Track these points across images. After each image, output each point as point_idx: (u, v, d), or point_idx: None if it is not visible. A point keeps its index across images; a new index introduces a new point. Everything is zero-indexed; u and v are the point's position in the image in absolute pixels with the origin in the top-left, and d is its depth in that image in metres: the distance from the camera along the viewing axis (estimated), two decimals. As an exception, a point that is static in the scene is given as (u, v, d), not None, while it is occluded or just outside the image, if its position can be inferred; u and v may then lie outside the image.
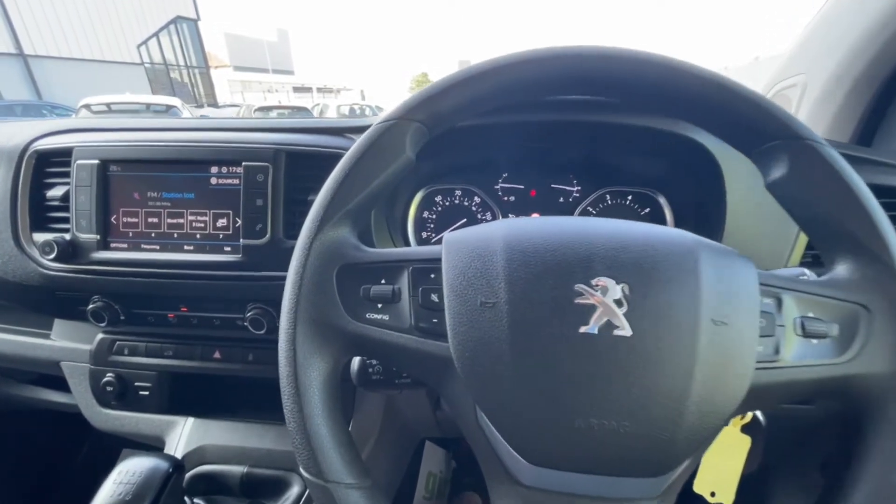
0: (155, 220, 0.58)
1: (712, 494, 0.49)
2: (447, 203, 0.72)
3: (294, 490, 0.62)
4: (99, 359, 0.70)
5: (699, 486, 0.49)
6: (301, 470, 0.33)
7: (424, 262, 0.34)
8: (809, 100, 0.71)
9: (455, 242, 0.34)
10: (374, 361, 0.46)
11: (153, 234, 0.58)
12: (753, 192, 0.55)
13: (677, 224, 0.67)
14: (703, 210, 0.61)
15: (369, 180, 0.36)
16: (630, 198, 0.69)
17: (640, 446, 0.29)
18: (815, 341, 0.32)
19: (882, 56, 0.62)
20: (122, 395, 0.69)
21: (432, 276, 0.34)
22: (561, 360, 0.29)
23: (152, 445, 0.71)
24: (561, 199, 0.71)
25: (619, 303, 0.29)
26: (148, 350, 0.68)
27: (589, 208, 0.70)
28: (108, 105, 6.05)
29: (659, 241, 0.31)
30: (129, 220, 0.58)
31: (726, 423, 0.30)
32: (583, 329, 0.29)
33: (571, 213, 0.70)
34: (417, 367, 0.35)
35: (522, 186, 0.71)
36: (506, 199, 0.72)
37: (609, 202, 0.70)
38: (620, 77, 0.35)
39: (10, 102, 9.64)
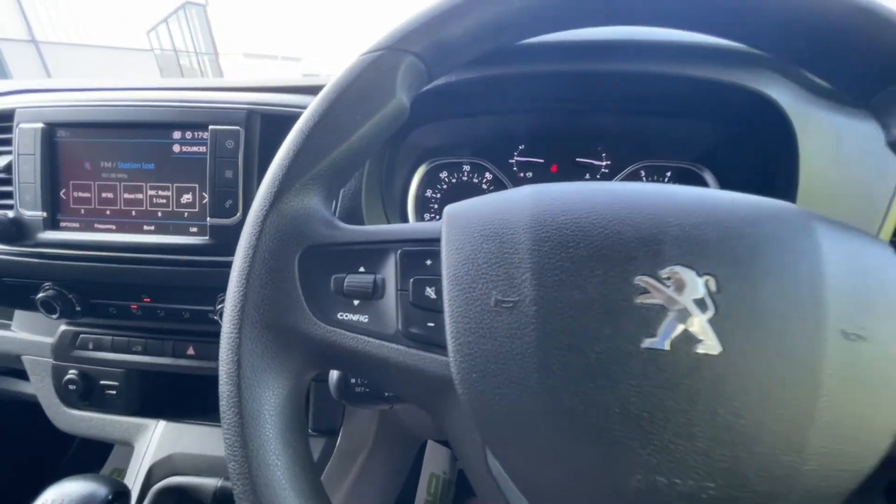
0: (109, 195, 0.50)
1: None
2: (454, 180, 0.62)
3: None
4: (61, 353, 0.62)
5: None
6: None
7: (418, 242, 0.25)
8: None
9: (461, 216, 0.24)
10: None
11: (108, 212, 0.50)
12: (834, 163, 0.44)
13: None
14: (763, 188, 0.50)
15: (347, 132, 0.27)
16: (669, 174, 0.59)
17: None
18: None
19: None
20: (86, 394, 0.61)
21: (429, 262, 0.25)
22: (613, 387, 0.20)
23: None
24: (587, 176, 0.60)
25: (701, 304, 0.20)
26: (114, 345, 0.60)
27: (620, 186, 0.60)
28: (115, 90, 6.01)
29: (757, 213, 0.22)
30: (81, 194, 0.50)
31: (858, 484, 0.21)
32: (647, 343, 0.20)
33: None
34: (406, 388, 0.26)
35: (542, 160, 0.61)
36: (522, 174, 0.62)
37: (644, 179, 0.59)
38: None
39: (21, 88, 9.68)
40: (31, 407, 0.83)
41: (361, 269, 0.26)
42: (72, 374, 0.61)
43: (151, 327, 0.60)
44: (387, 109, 0.27)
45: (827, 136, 0.44)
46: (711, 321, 0.20)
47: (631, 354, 0.20)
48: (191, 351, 0.59)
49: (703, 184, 0.57)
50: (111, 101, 0.49)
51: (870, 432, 0.19)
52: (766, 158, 0.49)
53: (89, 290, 0.54)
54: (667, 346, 0.19)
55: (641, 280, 0.20)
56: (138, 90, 0.50)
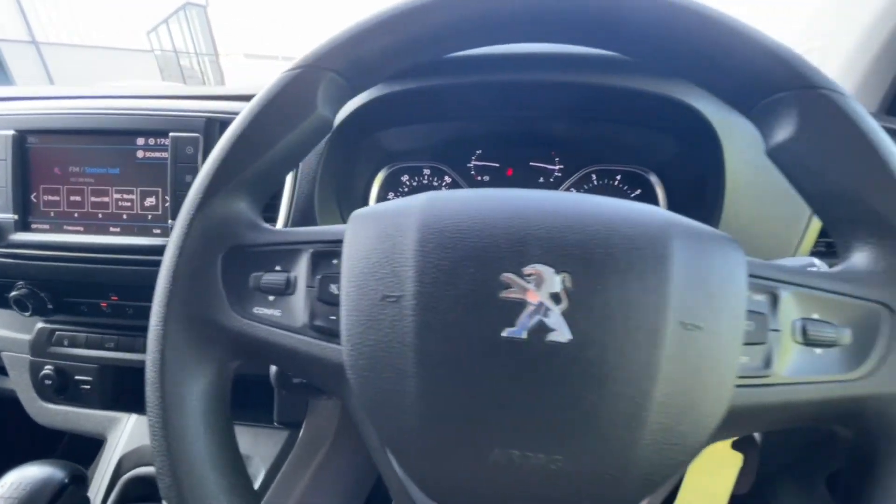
0: (78, 198, 0.52)
1: (696, 519, 0.43)
2: (414, 183, 0.65)
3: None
4: (38, 350, 0.64)
5: (681, 509, 0.43)
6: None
7: (327, 243, 0.28)
8: (832, 67, 0.62)
9: (362, 219, 0.27)
10: None
11: (76, 214, 0.53)
12: (757, 168, 0.47)
13: (671, 209, 0.59)
14: (700, 190, 0.53)
15: (270, 142, 0.29)
16: (619, 178, 0.61)
17: (576, 487, 0.22)
18: (819, 351, 0.24)
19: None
20: (62, 389, 0.64)
21: (335, 261, 0.27)
22: (476, 372, 0.22)
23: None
24: (541, 179, 0.63)
25: (556, 298, 0.22)
26: (88, 341, 0.63)
27: (572, 189, 0.62)
28: (114, 91, 6.04)
29: (620, 219, 0.24)
30: (51, 198, 0.53)
31: (693, 457, 0.23)
32: (506, 332, 0.22)
33: (552, 195, 0.63)
34: (313, 375, 0.28)
35: (498, 164, 0.63)
36: (479, 178, 0.64)
37: (595, 182, 0.62)
38: (588, 14, 0.28)
39: (22, 89, 9.72)
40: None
41: (277, 268, 0.28)
42: (48, 369, 0.64)
43: (123, 324, 0.63)
44: (307, 123, 0.30)
45: (750, 144, 0.46)
46: (564, 313, 0.22)
47: (493, 343, 0.22)
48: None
49: (650, 186, 0.60)
50: (79, 109, 0.52)
51: (702, 410, 0.22)
52: (699, 163, 0.52)
53: (60, 289, 0.56)
54: (524, 336, 0.22)
55: (506, 277, 0.23)
56: (105, 98, 0.53)
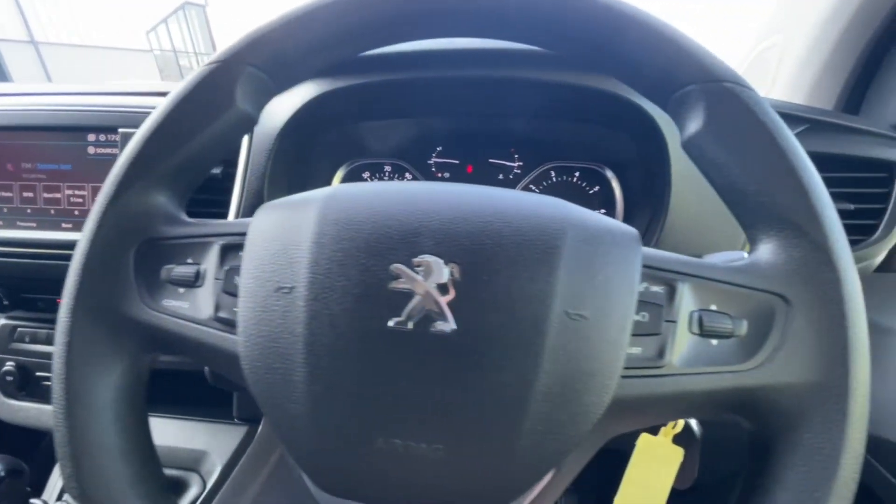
0: (30, 194, 0.52)
1: (636, 514, 0.43)
2: (375, 179, 0.65)
3: (192, 491, 0.57)
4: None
5: (621, 504, 0.43)
6: (66, 497, 0.27)
7: (236, 235, 0.28)
8: (788, 63, 0.62)
9: (268, 210, 0.27)
10: None
11: (29, 211, 0.53)
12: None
13: (627, 204, 0.59)
14: (651, 186, 0.53)
15: (188, 136, 0.29)
16: (577, 174, 0.61)
17: (457, 476, 0.22)
18: (714, 342, 0.24)
19: (863, 13, 0.53)
20: (23, 385, 0.64)
21: (241, 253, 0.27)
22: (361, 362, 0.22)
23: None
24: (500, 176, 0.63)
25: (443, 289, 0.22)
26: (49, 338, 0.63)
27: (531, 186, 0.62)
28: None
29: (513, 211, 0.24)
30: (3, 194, 0.53)
31: (576, 446, 0.23)
32: (392, 322, 0.22)
33: (511, 192, 0.63)
34: (219, 366, 0.29)
35: (458, 161, 0.64)
36: (440, 175, 0.64)
37: (554, 179, 0.62)
38: (503, 10, 0.28)
39: (20, 89, 9.73)
40: None
41: (189, 261, 0.28)
42: (9, 365, 0.64)
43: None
44: (227, 117, 0.30)
45: None
46: (452, 304, 0.22)
47: (379, 332, 0.22)
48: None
49: (607, 182, 0.60)
50: (31, 106, 0.52)
51: (584, 400, 0.22)
52: (649, 160, 0.52)
53: (16, 285, 0.57)
54: (410, 326, 0.22)
55: (395, 267, 0.23)
56: (56, 95, 0.53)
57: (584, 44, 0.29)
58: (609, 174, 0.59)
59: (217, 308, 0.27)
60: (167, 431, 0.61)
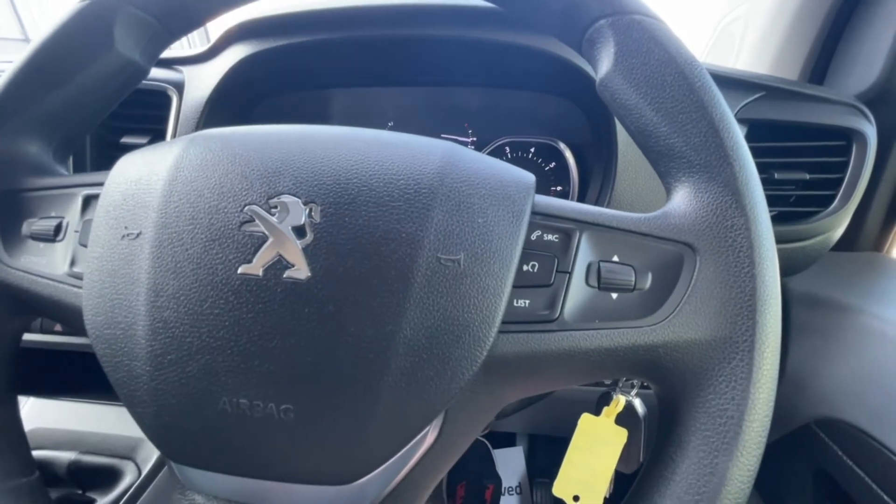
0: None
1: (576, 498, 0.40)
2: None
3: (126, 480, 0.54)
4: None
5: (560, 489, 0.40)
6: None
7: (98, 185, 0.25)
8: (752, 34, 0.60)
9: (129, 156, 0.25)
10: None
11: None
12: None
13: (582, 178, 0.56)
14: (600, 154, 0.51)
15: (58, 81, 0.27)
16: (533, 150, 0.59)
17: (309, 441, 0.20)
18: (615, 296, 0.22)
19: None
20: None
21: None
22: (206, 312, 0.20)
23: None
24: (453, 152, 0.61)
25: (300, 232, 0.20)
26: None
27: (485, 162, 0.60)
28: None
29: (386, 152, 0.22)
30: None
31: (459, 406, 0.21)
32: (242, 268, 0.20)
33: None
34: (74, 329, 0.26)
35: None
36: (392, 151, 0.62)
37: (509, 154, 0.59)
38: None
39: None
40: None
41: (52, 214, 0.26)
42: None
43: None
44: (104, 62, 0.27)
45: None
46: (306, 248, 0.20)
47: (227, 280, 0.20)
48: (58, 327, 0.59)
49: (562, 157, 0.57)
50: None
51: (454, 356, 0.20)
52: (596, 127, 0.49)
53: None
54: (260, 273, 0.20)
55: (249, 209, 0.20)
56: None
57: None
58: (562, 147, 0.56)
59: (72, 262, 0.24)
60: (104, 418, 0.58)
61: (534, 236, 0.22)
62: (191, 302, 0.20)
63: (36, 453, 0.56)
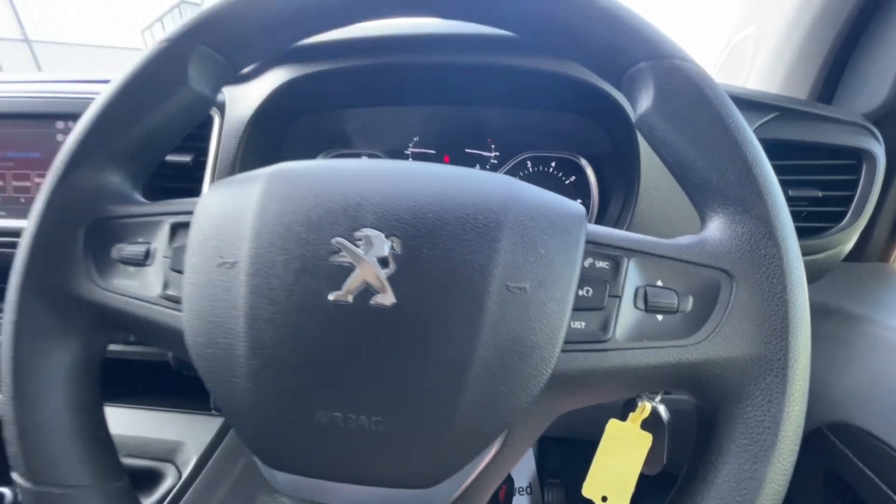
0: (-1, 182, 0.52)
1: (604, 499, 0.43)
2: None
3: (167, 481, 0.56)
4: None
5: (589, 490, 0.43)
6: (12, 475, 0.26)
7: (186, 214, 0.28)
8: (763, 54, 0.62)
9: (215, 187, 0.27)
10: None
11: (-2, 199, 0.52)
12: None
13: (602, 192, 0.59)
14: (622, 173, 0.53)
15: (138, 116, 0.29)
16: (553, 164, 0.61)
17: (397, 449, 0.22)
18: (660, 317, 0.24)
19: (832, 3, 0.53)
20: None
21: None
22: (301, 335, 0.22)
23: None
24: (477, 166, 0.63)
25: (383, 262, 0.22)
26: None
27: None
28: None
29: (455, 186, 0.24)
30: (-28, 182, 0.52)
31: (525, 416, 0.23)
32: (333, 295, 0.22)
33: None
34: (168, 344, 0.28)
35: (434, 151, 0.64)
36: (417, 165, 0.64)
37: (531, 169, 0.62)
38: None
39: (12, 88, 9.66)
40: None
41: (140, 240, 0.28)
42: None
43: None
44: (179, 97, 0.30)
45: None
46: (390, 278, 0.22)
47: (319, 305, 0.22)
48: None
49: (583, 171, 0.60)
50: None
51: (523, 374, 0.22)
52: (619, 147, 0.52)
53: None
54: (349, 299, 0.22)
55: (336, 241, 0.23)
56: (23, 83, 0.52)
57: (539, 24, 0.29)
58: (584, 163, 0.59)
59: (165, 286, 0.27)
60: (144, 422, 0.60)
61: (587, 263, 0.24)
62: (286, 325, 0.22)
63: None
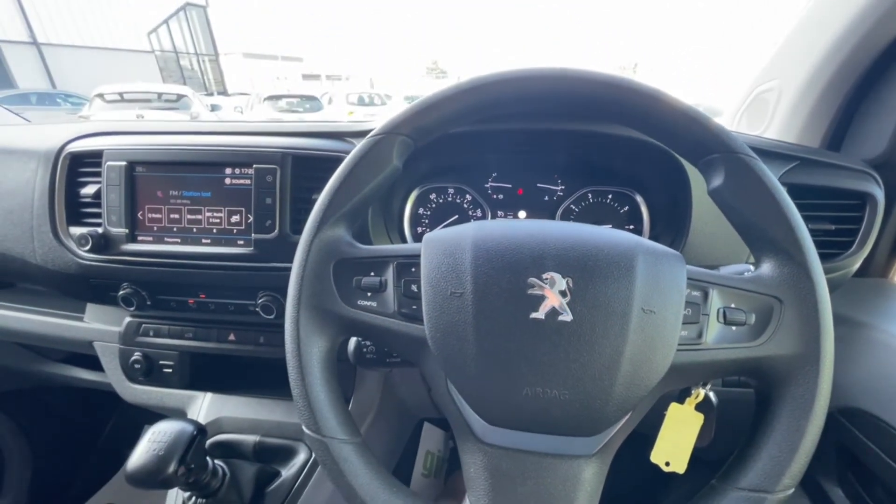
0: (176, 216, 0.65)
1: (667, 464, 0.56)
2: (441, 200, 0.78)
3: (300, 457, 0.69)
4: (127, 339, 0.77)
5: (656, 457, 0.56)
6: (303, 427, 0.39)
7: (407, 257, 0.41)
8: (785, 104, 0.75)
9: (432, 241, 0.40)
10: (367, 342, 0.53)
11: (175, 229, 0.65)
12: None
13: (653, 222, 0.72)
14: (674, 210, 0.66)
15: (361, 187, 0.42)
16: (610, 197, 0.74)
17: (576, 411, 0.35)
18: (734, 328, 0.37)
19: (850, 62, 0.66)
20: (148, 372, 0.77)
21: (413, 269, 0.40)
22: (514, 340, 0.35)
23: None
24: (546, 198, 0.76)
25: (563, 293, 0.35)
26: (170, 332, 0.76)
27: (572, 206, 0.75)
28: (120, 94, 6.12)
29: (603, 241, 0.37)
30: (154, 215, 0.65)
31: (649, 394, 0.36)
32: (533, 315, 0.35)
33: (555, 211, 0.76)
34: (400, 346, 0.42)
35: (510, 185, 0.77)
36: (495, 196, 0.77)
37: (591, 200, 0.75)
38: (577, 95, 0.41)
39: (25, 91, 9.79)
40: (78, 392, 0.99)
41: (372, 274, 0.41)
42: (136, 356, 0.77)
43: (200, 318, 0.76)
44: (386, 172, 0.43)
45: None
46: (569, 303, 0.35)
47: (524, 321, 0.35)
48: (232, 337, 0.75)
49: (636, 204, 0.73)
50: (177, 144, 0.64)
51: (654, 364, 0.35)
52: (672, 190, 0.65)
53: (157, 289, 0.69)
54: (543, 317, 0.35)
55: (531, 280, 0.36)
56: (199, 134, 0.66)
57: (640, 123, 0.42)
58: (638, 198, 0.72)
59: (399, 306, 0.40)
60: (276, 409, 0.74)
61: (687, 292, 0.37)
62: (502, 334, 0.35)
63: (227, 436, 0.72)
